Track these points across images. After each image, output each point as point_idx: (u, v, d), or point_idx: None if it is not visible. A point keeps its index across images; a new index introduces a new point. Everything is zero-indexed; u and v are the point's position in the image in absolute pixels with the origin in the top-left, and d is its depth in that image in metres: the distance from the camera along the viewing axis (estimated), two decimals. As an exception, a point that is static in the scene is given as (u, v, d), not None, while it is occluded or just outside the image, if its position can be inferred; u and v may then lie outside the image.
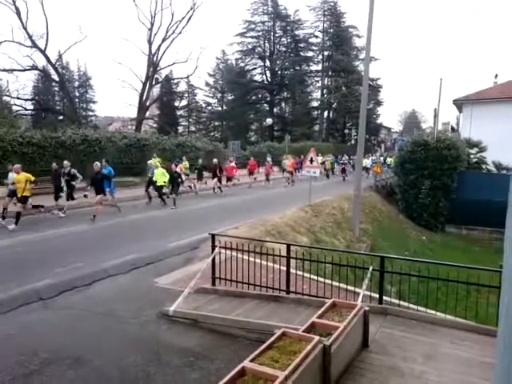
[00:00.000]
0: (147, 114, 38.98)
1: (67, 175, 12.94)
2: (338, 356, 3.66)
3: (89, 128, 26.02)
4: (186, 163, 19.79)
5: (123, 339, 5.11)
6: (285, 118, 55.77)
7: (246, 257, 6.58)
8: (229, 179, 20.29)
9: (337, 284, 6.91)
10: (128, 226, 11.69)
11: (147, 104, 35.73)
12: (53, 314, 5.80)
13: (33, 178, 11.34)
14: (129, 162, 22.37)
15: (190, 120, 56.23)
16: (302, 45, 55.01)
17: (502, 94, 24.60)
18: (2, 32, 52.08)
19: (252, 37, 53.50)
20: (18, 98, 30.84)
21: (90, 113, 55.64)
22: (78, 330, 5.28)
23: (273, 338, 3.48)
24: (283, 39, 54.82)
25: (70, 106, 36.14)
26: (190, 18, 32.92)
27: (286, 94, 56.07)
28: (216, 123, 56.29)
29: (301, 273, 7.06)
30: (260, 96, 56.02)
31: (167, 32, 32.79)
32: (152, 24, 32.46)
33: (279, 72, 54.96)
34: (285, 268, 6.41)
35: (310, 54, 55.64)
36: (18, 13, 26.57)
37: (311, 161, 15.63)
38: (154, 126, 49.13)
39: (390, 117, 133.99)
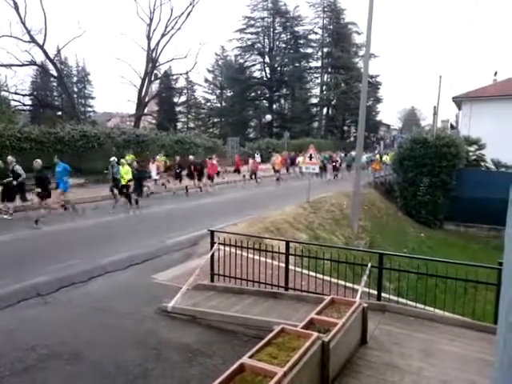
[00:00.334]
0: (146, 110, 38.78)
1: (11, 172, 11.45)
2: (337, 352, 3.67)
3: (87, 124, 25.91)
4: (163, 159, 18.87)
5: (121, 335, 5.11)
6: (284, 114, 55.66)
7: (244, 253, 6.58)
8: (210, 178, 18.59)
9: (335, 281, 6.91)
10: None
11: (146, 100, 35.57)
12: (51, 310, 5.80)
13: None
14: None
15: (189, 116, 56.09)
16: (301, 41, 54.85)
17: (501, 92, 24.57)
18: (0, 27, 51.87)
19: (251, 33, 53.32)
20: (16, 94, 30.67)
21: (89, 108, 55.41)
22: (76, 326, 5.27)
23: (271, 335, 3.48)
24: (283, 35, 54.64)
25: (69, 101, 35.94)
26: (189, 14, 32.70)
27: (285, 90, 55.94)
28: (215, 119, 56.16)
29: (299, 269, 7.08)
30: (259, 92, 55.88)
31: (166, 28, 32.60)
32: (151, 19, 32.26)
33: (278, 68, 54.83)
34: (283, 264, 6.42)
35: (310, 50, 55.50)
36: (17, 7, 26.36)
37: (310, 157, 15.63)
38: (153, 122, 48.94)
39: (389, 114, 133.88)
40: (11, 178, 11.43)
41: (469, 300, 6.01)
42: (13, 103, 30.42)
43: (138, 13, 38.27)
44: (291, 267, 6.55)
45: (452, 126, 33.57)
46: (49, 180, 11.39)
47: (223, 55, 55.09)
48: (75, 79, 54.20)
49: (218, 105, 55.69)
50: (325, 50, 54.71)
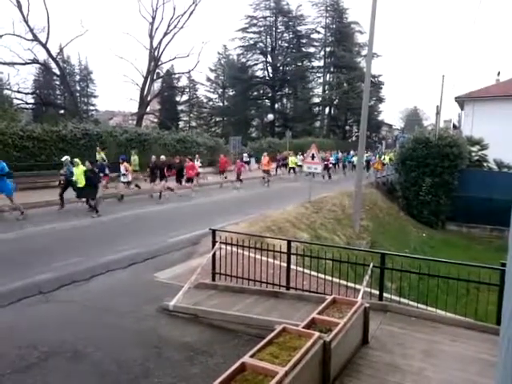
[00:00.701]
0: (148, 108, 38.87)
1: None
2: (338, 352, 3.66)
3: (90, 122, 25.96)
4: (135, 158, 17.85)
5: (123, 333, 5.11)
6: (286, 114, 55.62)
7: (246, 252, 6.58)
8: (189, 180, 17.11)
9: (337, 280, 6.91)
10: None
11: (148, 99, 35.62)
12: (53, 308, 5.81)
13: None
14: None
15: (191, 115, 56.11)
16: (303, 40, 54.80)
17: (504, 92, 24.46)
18: (3, 25, 52.04)
19: (254, 32, 53.28)
20: (19, 92, 30.78)
21: (91, 107, 55.49)
22: (77, 324, 5.28)
23: (273, 334, 3.48)
24: (285, 35, 54.57)
25: (71, 100, 35.99)
26: (191, 13, 32.73)
27: (287, 89, 55.91)
28: (217, 119, 56.15)
29: (301, 269, 7.05)
30: (261, 92, 55.87)
31: (169, 26, 32.64)
32: (153, 18, 32.29)
33: (281, 68, 54.76)
34: (285, 264, 6.41)
35: (312, 49, 55.49)
36: (20, 6, 26.42)
37: (312, 157, 15.63)
38: (155, 120, 49.00)
39: (391, 114, 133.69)
40: None
41: (471, 301, 6.00)
42: (15, 101, 30.60)
43: (141, 11, 38.17)
44: (293, 266, 6.53)
45: (454, 126, 33.49)
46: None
47: (225, 54, 55.09)
48: (78, 78, 54.33)
49: (220, 104, 55.68)
50: (327, 49, 54.68)
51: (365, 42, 50.08)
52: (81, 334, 4.99)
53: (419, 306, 5.56)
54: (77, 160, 12.40)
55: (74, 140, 19.27)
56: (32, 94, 36.80)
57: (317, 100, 56.12)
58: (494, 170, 22.13)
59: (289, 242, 6.33)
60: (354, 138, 55.43)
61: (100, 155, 17.04)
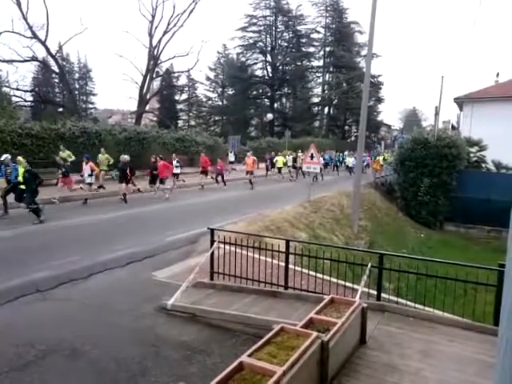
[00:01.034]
0: (147, 107, 38.82)
1: None
2: (336, 352, 3.67)
3: (88, 120, 25.93)
4: (106, 156, 16.81)
5: (120, 332, 5.11)
6: (285, 113, 55.66)
7: (244, 252, 6.58)
8: (161, 181, 15.76)
9: (335, 280, 6.90)
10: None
11: (147, 97, 35.57)
12: (50, 306, 5.80)
13: None
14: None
15: (190, 114, 56.10)
16: (303, 40, 54.84)
17: (503, 93, 24.51)
18: (2, 22, 51.74)
19: (253, 31, 53.30)
20: (18, 89, 30.74)
21: (90, 105, 55.52)
22: (75, 323, 5.27)
23: (271, 334, 3.48)
24: (285, 34, 54.61)
25: (70, 97, 35.94)
26: (191, 11, 32.70)
27: (286, 89, 55.93)
28: (216, 118, 56.14)
29: (299, 268, 7.07)
30: (261, 91, 55.87)
31: (168, 25, 32.60)
32: (153, 16, 32.26)
33: (280, 67, 54.77)
34: (283, 263, 6.41)
35: (312, 49, 55.57)
36: (19, 3, 26.36)
37: (312, 157, 15.64)
38: (154, 119, 48.98)
39: (390, 114, 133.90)
40: None
41: (468, 301, 6.01)
42: (14, 99, 30.60)
43: (141, 10, 38.08)
44: (291, 266, 6.54)
45: (453, 127, 33.54)
46: None
47: (225, 53, 55.09)
48: (77, 76, 54.27)
49: (220, 103, 55.65)
50: (327, 49, 54.73)
51: (364, 41, 50.12)
52: (79, 332, 4.98)
53: (417, 306, 5.57)
54: (20, 158, 11.25)
55: (72, 138, 19.23)
56: (31, 91, 36.75)
57: (316, 100, 56.24)
58: (492, 171, 22.18)
59: (287, 242, 6.33)
60: (353, 138, 55.48)
61: (65, 153, 16.11)
